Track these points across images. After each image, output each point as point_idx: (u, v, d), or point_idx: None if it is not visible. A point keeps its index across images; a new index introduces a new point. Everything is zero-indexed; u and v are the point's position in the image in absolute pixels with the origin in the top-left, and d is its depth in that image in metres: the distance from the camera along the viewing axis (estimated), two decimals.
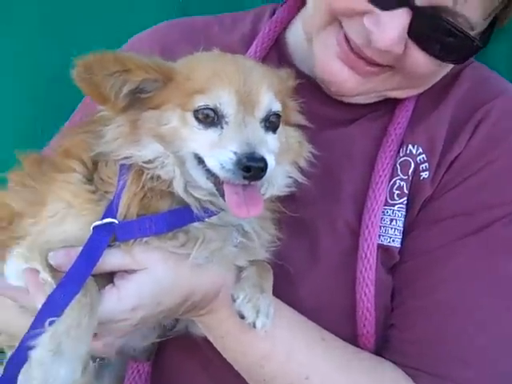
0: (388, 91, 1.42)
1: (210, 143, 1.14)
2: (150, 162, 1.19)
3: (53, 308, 1.09)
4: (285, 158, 1.25)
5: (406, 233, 1.37)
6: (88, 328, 1.10)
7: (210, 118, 1.15)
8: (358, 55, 1.33)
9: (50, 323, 1.08)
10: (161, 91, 1.17)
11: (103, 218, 1.18)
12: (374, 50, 1.29)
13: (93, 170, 1.25)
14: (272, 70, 1.28)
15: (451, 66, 1.39)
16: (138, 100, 1.18)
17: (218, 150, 1.12)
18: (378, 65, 1.34)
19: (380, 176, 1.37)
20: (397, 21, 1.25)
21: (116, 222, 1.17)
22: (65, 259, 1.17)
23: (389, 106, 1.45)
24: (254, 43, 1.54)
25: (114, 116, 1.20)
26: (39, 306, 1.12)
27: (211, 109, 1.14)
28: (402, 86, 1.40)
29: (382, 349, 1.37)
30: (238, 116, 1.15)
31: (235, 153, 1.10)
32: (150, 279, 1.18)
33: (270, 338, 1.27)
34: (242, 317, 1.19)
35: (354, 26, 1.31)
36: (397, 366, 1.32)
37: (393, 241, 1.36)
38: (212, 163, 1.13)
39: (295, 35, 1.54)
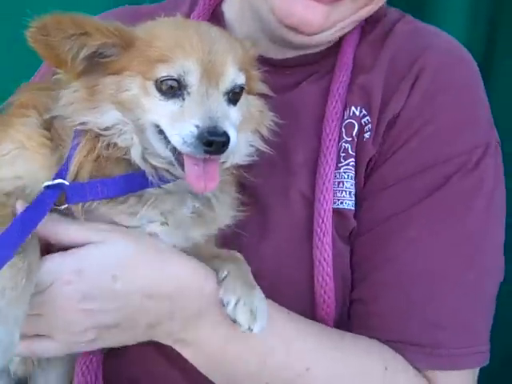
0: (352, 15, 1.40)
1: (171, 115, 1.13)
2: (107, 129, 1.16)
3: None
4: (246, 127, 1.25)
5: (358, 201, 1.36)
6: (24, 291, 1.06)
7: (173, 89, 1.13)
8: None
9: None
10: (121, 57, 1.14)
11: (55, 179, 1.15)
12: None
13: (48, 122, 1.21)
14: (236, 39, 1.26)
15: None
16: (96, 64, 1.14)
17: (180, 124, 1.11)
18: None
19: (330, 140, 1.35)
20: None
21: (66, 183, 1.15)
22: None
23: (328, 65, 1.44)
24: (190, 18, 1.50)
25: (71, 80, 1.16)
26: None
27: (174, 79, 1.12)
28: (363, 4, 1.39)
29: (349, 325, 1.36)
30: (201, 87, 1.13)
31: (197, 126, 1.09)
32: (104, 248, 1.15)
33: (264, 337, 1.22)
34: (237, 323, 1.14)
35: None
36: (380, 342, 1.31)
37: (342, 203, 1.35)
38: (174, 137, 1.12)
39: (231, 6, 1.52)
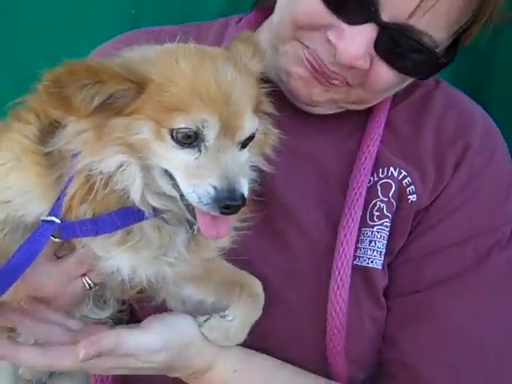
0: (345, 104, 1.41)
1: (186, 166, 1.09)
2: (110, 172, 1.13)
3: None
4: (251, 152, 1.21)
5: (398, 262, 1.39)
6: None
7: (189, 139, 1.08)
8: (321, 70, 1.32)
9: None
10: (132, 100, 1.08)
11: (50, 213, 1.17)
12: (339, 65, 1.27)
13: (48, 129, 1.18)
14: (248, 72, 1.18)
15: (409, 81, 1.41)
16: (104, 106, 1.08)
17: (196, 181, 1.08)
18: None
19: (355, 194, 1.36)
20: (363, 36, 1.25)
21: (58, 221, 1.16)
22: None
23: (358, 122, 1.45)
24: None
25: (78, 120, 1.11)
26: None
27: (193, 131, 1.07)
28: (360, 99, 1.40)
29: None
30: (218, 141, 1.09)
31: (215, 187, 1.07)
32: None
33: None
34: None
35: (318, 41, 1.29)
36: None
37: (372, 262, 1.37)
38: (189, 194, 1.09)
39: (262, 42, 1.46)
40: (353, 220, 1.34)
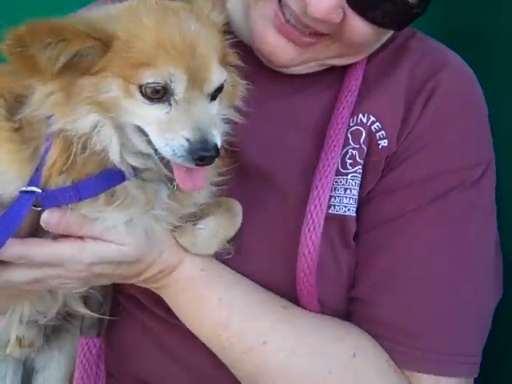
0: (328, 59, 1.40)
1: (157, 120, 1.10)
2: (85, 133, 1.12)
3: None
4: (221, 105, 1.20)
5: (363, 203, 1.38)
6: None
7: (158, 93, 1.08)
8: (295, 26, 1.31)
9: None
10: (98, 57, 1.08)
11: (29, 184, 1.15)
12: (311, 18, 1.27)
13: (14, 106, 1.18)
14: (211, 23, 1.19)
15: (390, 33, 1.40)
16: (70, 65, 1.07)
17: (169, 135, 1.08)
18: (315, 34, 1.32)
19: (332, 140, 1.36)
20: None
21: (39, 191, 1.15)
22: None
23: (335, 77, 1.44)
24: None
25: (44, 82, 1.10)
26: None
27: (161, 86, 1.08)
28: (342, 54, 1.38)
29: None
30: (187, 94, 1.09)
31: (188, 140, 1.07)
32: (113, 247, 1.22)
33: (226, 306, 1.31)
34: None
35: None
36: (364, 332, 1.34)
37: (348, 210, 1.37)
38: (162, 147, 1.09)
39: (234, 4, 1.46)
40: (329, 165, 1.34)
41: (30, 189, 1.15)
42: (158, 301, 1.39)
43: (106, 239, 1.21)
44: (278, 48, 1.35)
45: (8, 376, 1.58)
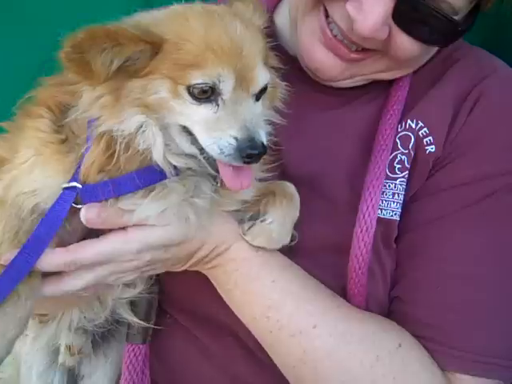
0: (374, 74, 1.42)
1: (205, 120, 1.12)
2: (131, 134, 1.15)
3: (14, 273, 1.15)
4: (263, 106, 1.22)
5: (407, 205, 1.38)
6: (13, 336, 1.15)
7: (205, 94, 1.10)
8: (342, 42, 1.32)
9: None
10: (148, 60, 1.10)
11: (70, 180, 1.18)
12: (358, 35, 1.28)
13: (61, 117, 1.22)
14: (253, 26, 1.22)
15: (436, 48, 1.40)
16: (121, 68, 1.10)
17: (217, 134, 1.11)
18: (362, 50, 1.33)
19: (381, 145, 1.37)
20: (379, 7, 1.25)
21: (79, 186, 1.18)
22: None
23: (381, 88, 1.45)
24: None
25: (93, 86, 1.13)
26: None
27: (209, 86, 1.10)
28: (388, 69, 1.39)
29: None
30: (234, 94, 1.12)
31: (235, 138, 1.09)
32: (156, 229, 1.22)
33: (279, 288, 1.30)
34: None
35: (337, 10, 1.30)
36: (404, 329, 1.33)
37: (394, 214, 1.37)
38: (210, 146, 1.11)
39: (282, 18, 1.50)
40: (379, 167, 1.35)
41: (70, 184, 1.18)
42: (208, 315, 1.41)
43: (148, 224, 1.22)
44: (325, 63, 1.37)
45: (55, 383, 1.59)
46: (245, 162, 1.11)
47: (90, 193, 1.18)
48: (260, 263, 1.31)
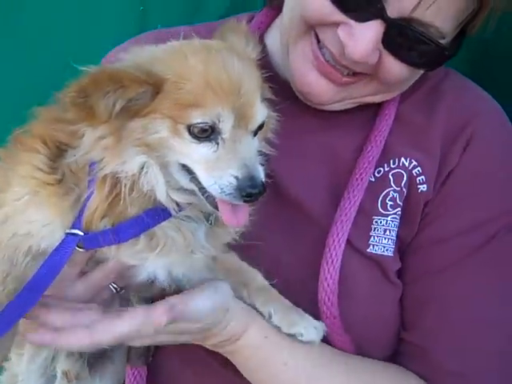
0: (363, 97, 1.45)
1: (205, 159, 1.13)
2: (134, 174, 1.16)
3: (7, 317, 1.14)
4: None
5: (408, 252, 1.42)
6: None
7: (205, 133, 1.12)
8: (334, 67, 1.35)
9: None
10: (149, 100, 1.11)
11: (73, 226, 1.18)
12: (349, 60, 1.31)
13: (56, 155, 1.21)
14: (249, 60, 1.23)
15: (421, 72, 1.43)
16: (122, 109, 1.10)
17: (217, 173, 1.12)
18: (354, 74, 1.36)
19: (357, 179, 1.40)
20: (370, 33, 1.28)
21: (81, 234, 1.18)
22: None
23: (370, 113, 1.48)
24: None
25: (95, 127, 1.13)
26: None
27: (209, 125, 1.11)
28: (377, 92, 1.43)
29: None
30: (233, 131, 1.13)
31: (236, 177, 1.11)
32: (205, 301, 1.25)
33: (292, 369, 1.34)
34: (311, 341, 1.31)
35: (329, 35, 1.33)
36: (421, 380, 1.38)
37: (386, 250, 1.41)
38: (211, 186, 1.13)
39: (273, 40, 1.52)
40: (350, 203, 1.38)
41: (72, 231, 1.18)
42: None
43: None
44: (317, 88, 1.39)
45: None
46: (245, 201, 1.13)
47: (92, 241, 1.19)
48: (270, 350, 1.35)
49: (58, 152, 1.21)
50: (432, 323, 1.39)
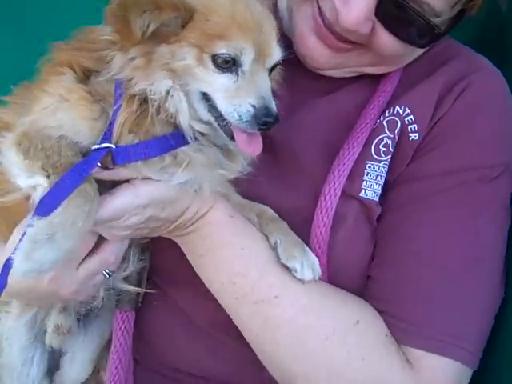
0: (361, 67, 1.49)
1: (225, 89, 1.22)
2: (161, 96, 1.23)
3: (42, 210, 1.17)
4: None
5: (386, 190, 1.44)
6: (82, 228, 1.19)
7: (227, 64, 1.21)
8: (331, 30, 1.40)
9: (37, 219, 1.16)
10: (179, 28, 1.20)
11: (101, 141, 1.23)
12: (343, 27, 1.37)
13: (82, 78, 1.28)
14: (267, 8, 1.32)
15: (419, 50, 1.47)
16: (154, 33, 1.19)
17: (236, 101, 1.21)
18: (349, 42, 1.41)
19: (357, 132, 1.44)
20: (363, 2, 1.33)
21: (113, 146, 1.23)
22: None
23: (373, 78, 1.52)
24: None
25: (127, 46, 1.21)
26: None
27: (231, 57, 1.21)
28: (375, 63, 1.47)
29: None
30: (253, 65, 1.23)
31: (253, 106, 1.21)
32: (161, 185, 1.29)
33: (247, 256, 1.38)
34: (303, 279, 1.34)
35: (327, 2, 1.38)
36: (369, 306, 1.39)
37: (376, 195, 1.44)
38: (229, 112, 1.22)
39: (283, 4, 1.59)
40: (349, 153, 1.43)
41: (104, 145, 1.23)
42: (193, 277, 1.44)
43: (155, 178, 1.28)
44: (315, 51, 1.45)
45: (35, 358, 1.60)
46: (260, 129, 1.22)
47: (123, 154, 1.24)
48: (232, 229, 1.39)
49: (84, 78, 1.28)
50: (384, 256, 1.42)
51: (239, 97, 1.22)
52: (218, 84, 1.23)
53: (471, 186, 1.41)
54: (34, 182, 1.24)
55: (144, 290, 1.53)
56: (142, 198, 1.28)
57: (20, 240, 1.16)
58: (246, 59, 1.23)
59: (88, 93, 1.26)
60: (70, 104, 1.25)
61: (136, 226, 1.31)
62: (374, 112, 1.47)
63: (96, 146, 1.24)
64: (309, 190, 1.46)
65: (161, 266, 1.54)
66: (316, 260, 1.37)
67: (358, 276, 1.44)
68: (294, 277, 1.34)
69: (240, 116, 1.21)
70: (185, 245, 1.41)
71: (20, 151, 1.25)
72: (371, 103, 1.49)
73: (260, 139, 1.27)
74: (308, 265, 1.35)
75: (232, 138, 1.26)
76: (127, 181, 1.29)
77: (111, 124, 1.24)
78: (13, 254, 1.15)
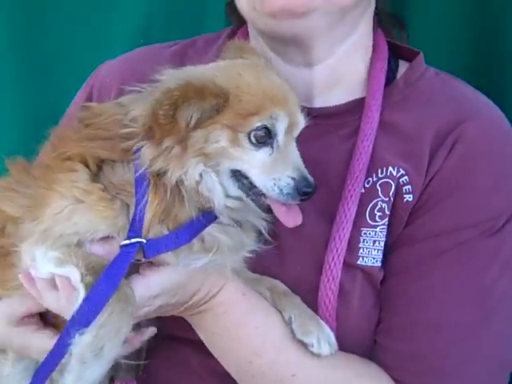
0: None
1: (262, 163, 1.23)
2: (196, 182, 1.22)
3: (82, 319, 1.15)
4: None
5: (387, 253, 1.41)
6: (125, 333, 1.18)
7: (264, 139, 1.22)
8: None
9: (80, 334, 1.15)
10: (215, 112, 1.19)
11: (129, 236, 1.21)
12: None
13: (95, 172, 1.25)
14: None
15: None
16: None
17: (275, 175, 1.23)
18: None
19: (349, 190, 1.40)
20: None
21: (144, 241, 1.22)
22: (102, 251, 1.24)
23: (356, 124, 1.46)
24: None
25: (162, 138, 1.18)
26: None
27: (267, 129, 1.22)
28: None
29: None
30: (285, 137, 1.25)
31: (293, 179, 1.22)
32: (172, 272, 1.27)
33: (262, 334, 1.37)
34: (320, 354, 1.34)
35: None
36: (383, 370, 1.39)
37: (376, 261, 1.41)
38: (269, 187, 1.23)
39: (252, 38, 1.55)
40: (346, 216, 1.39)
41: (134, 240, 1.21)
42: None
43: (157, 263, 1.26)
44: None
45: None
46: (301, 200, 1.24)
47: (154, 247, 1.23)
48: (246, 308, 1.38)
49: (97, 170, 1.25)
50: (392, 322, 1.41)
51: (277, 171, 1.24)
52: (255, 160, 1.24)
53: (474, 242, 1.39)
54: (65, 272, 1.21)
55: (143, 362, 1.49)
56: (153, 289, 1.26)
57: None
58: (280, 127, 1.24)
59: (104, 190, 1.23)
60: (86, 206, 1.22)
61: (145, 316, 1.30)
62: (361, 162, 1.42)
63: (125, 242, 1.21)
64: (310, 257, 1.43)
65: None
66: (331, 333, 1.36)
67: (365, 339, 1.44)
68: (311, 352, 1.34)
69: (281, 189, 1.23)
70: (195, 323, 1.40)
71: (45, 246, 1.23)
72: (356, 152, 1.44)
73: (298, 209, 1.28)
74: (324, 339, 1.34)
75: (267, 211, 1.28)
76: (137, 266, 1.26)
77: (135, 216, 1.22)
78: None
